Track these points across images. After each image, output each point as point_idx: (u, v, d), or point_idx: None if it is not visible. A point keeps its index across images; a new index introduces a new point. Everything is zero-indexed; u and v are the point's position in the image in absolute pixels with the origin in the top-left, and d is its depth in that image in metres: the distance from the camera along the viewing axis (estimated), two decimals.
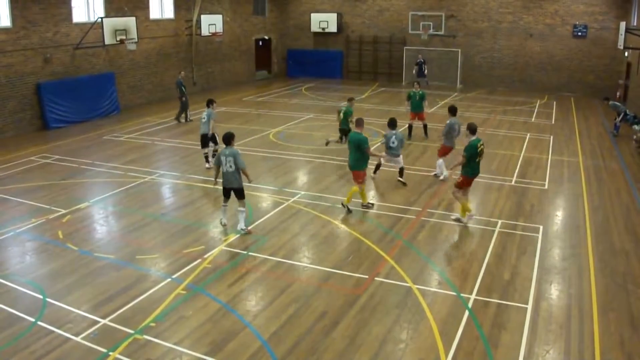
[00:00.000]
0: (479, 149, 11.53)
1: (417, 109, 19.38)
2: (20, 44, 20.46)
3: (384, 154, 14.55)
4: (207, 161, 16.01)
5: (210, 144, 15.99)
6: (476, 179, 14.78)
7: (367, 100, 28.10)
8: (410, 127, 19.73)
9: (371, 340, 7.82)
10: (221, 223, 11.76)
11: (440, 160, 14.99)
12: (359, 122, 12.74)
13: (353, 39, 35.48)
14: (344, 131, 16.74)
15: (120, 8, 24.53)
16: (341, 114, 17.32)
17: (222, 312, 8.53)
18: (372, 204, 13.01)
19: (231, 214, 12.07)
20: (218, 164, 11.35)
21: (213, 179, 11.79)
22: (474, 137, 11.58)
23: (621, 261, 10.39)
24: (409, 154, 17.41)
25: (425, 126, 19.68)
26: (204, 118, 15.88)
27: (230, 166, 11.12)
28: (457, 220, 12.04)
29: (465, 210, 11.89)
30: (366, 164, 12.73)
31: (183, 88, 22.53)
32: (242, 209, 11.46)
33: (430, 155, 17.27)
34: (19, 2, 20.23)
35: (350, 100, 17.53)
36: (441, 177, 14.92)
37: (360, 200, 12.87)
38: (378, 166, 15.05)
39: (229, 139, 11.27)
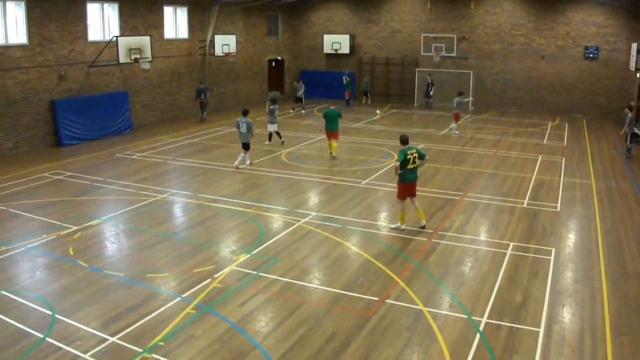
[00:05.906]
0: (408, 156, 12.40)
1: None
2: (35, 61, 20.78)
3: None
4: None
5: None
6: (489, 201, 14.84)
7: (379, 121, 28.15)
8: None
9: None
10: (238, 165, 18.02)
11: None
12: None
13: (365, 61, 35.68)
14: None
15: (135, 27, 24.88)
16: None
17: (231, 332, 8.49)
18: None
19: (237, 236, 12.04)
20: (238, 127, 17.95)
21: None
22: (405, 147, 12.61)
23: (634, 284, 10.26)
24: (420, 176, 17.35)
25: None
26: None
27: (244, 129, 17.60)
28: (396, 227, 12.76)
29: (401, 219, 12.78)
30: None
31: (202, 94, 26.77)
32: (245, 154, 18.15)
33: (442, 177, 17.32)
34: (36, 19, 20.59)
35: None
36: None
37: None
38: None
39: (246, 112, 18.12)
